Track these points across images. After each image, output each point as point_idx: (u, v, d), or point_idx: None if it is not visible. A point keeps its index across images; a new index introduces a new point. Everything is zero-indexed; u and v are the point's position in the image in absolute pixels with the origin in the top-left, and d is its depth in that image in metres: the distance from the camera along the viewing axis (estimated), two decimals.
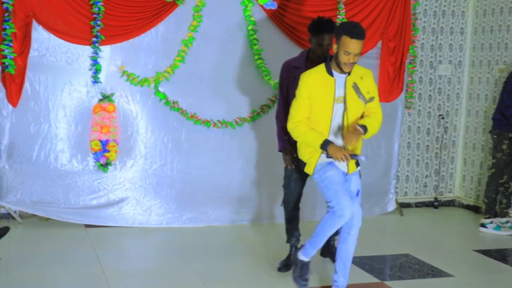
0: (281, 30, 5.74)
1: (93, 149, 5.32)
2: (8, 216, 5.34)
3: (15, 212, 5.37)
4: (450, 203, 7.01)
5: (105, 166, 5.34)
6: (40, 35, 5.13)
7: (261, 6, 5.67)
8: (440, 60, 6.76)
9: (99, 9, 5.18)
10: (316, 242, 3.88)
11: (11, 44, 4.96)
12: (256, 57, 5.67)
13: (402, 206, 6.67)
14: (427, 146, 6.86)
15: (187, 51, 5.48)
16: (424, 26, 6.66)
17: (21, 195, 5.19)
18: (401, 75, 6.30)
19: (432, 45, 6.73)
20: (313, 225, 3.97)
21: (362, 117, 3.88)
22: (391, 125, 6.32)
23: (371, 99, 3.86)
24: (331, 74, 3.78)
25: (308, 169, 3.87)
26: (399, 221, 6.29)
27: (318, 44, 4.23)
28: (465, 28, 6.79)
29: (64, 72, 5.23)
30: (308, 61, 4.37)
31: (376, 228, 5.93)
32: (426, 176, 6.90)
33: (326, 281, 4.26)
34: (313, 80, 3.77)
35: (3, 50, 4.95)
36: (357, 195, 3.88)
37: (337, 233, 4.57)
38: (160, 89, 5.45)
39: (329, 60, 3.85)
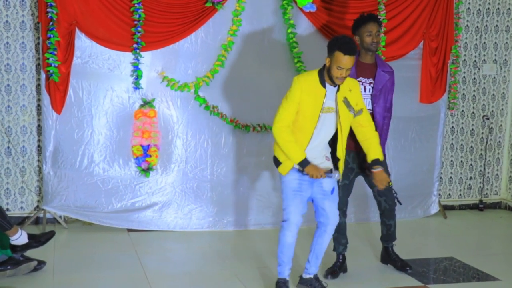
0: (321, 32, 5.71)
1: (134, 154, 5.38)
2: (53, 221, 5.46)
3: (60, 217, 5.48)
4: (495, 205, 6.85)
5: (147, 171, 5.40)
6: (82, 43, 5.23)
7: (300, 8, 5.64)
8: (484, 60, 6.61)
9: (140, 16, 5.24)
10: (278, 255, 4.01)
11: (55, 52, 5.07)
12: (295, 60, 5.65)
13: (446, 208, 6.55)
14: (471, 147, 6.72)
15: (227, 55, 5.49)
16: (467, 25, 6.52)
17: (65, 200, 5.30)
18: (444, 75, 6.17)
19: (475, 44, 6.58)
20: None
21: (359, 126, 4.03)
22: (434, 126, 6.21)
23: (360, 111, 3.97)
24: (323, 85, 3.84)
25: (283, 170, 3.91)
26: (443, 224, 6.18)
27: (367, 33, 4.28)
28: (510, 26, 6.62)
29: (106, 78, 5.31)
30: (357, 65, 4.35)
31: (418, 231, 5.85)
32: (471, 178, 6.76)
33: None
34: (307, 87, 3.82)
35: (48, 59, 5.05)
36: (331, 193, 3.98)
37: (394, 238, 4.62)
38: (200, 94, 5.48)
39: (323, 69, 3.88)
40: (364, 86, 4.40)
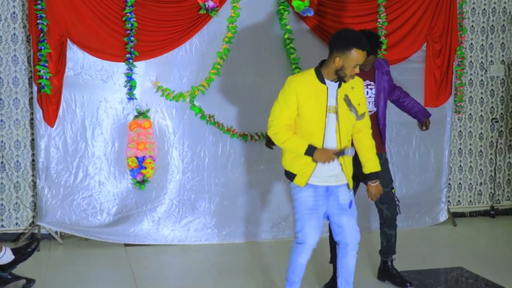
0: (319, 37, 5.57)
1: (129, 166, 5.27)
2: (49, 236, 5.35)
3: (56, 232, 5.37)
4: (508, 212, 6.62)
5: (141, 183, 5.28)
6: (74, 54, 5.14)
7: (297, 13, 5.51)
8: (491, 61, 6.42)
9: (132, 25, 5.14)
10: (289, 275, 3.67)
11: (46, 64, 4.98)
12: (293, 66, 5.51)
13: (455, 215, 6.35)
14: (480, 151, 6.52)
15: (222, 63, 5.37)
16: (472, 26, 6.34)
17: (60, 215, 5.19)
18: (449, 78, 6.00)
19: (482, 45, 6.40)
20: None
21: (358, 132, 3.67)
22: (440, 131, 6.03)
23: (362, 115, 3.61)
24: (323, 81, 3.48)
25: (300, 181, 3.51)
26: (452, 232, 5.98)
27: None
28: None
29: (99, 90, 5.21)
30: None
31: (427, 240, 5.65)
32: (481, 184, 6.55)
33: None
34: (303, 88, 3.45)
35: (39, 71, 4.96)
36: (349, 206, 3.61)
37: (394, 251, 4.41)
38: (196, 103, 5.36)
39: (319, 67, 3.53)
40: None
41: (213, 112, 5.40)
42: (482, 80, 6.43)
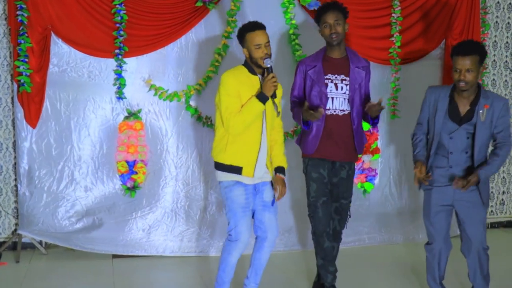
0: None
1: (119, 171, 4.91)
2: (32, 245, 4.98)
3: (39, 242, 5.00)
4: None
5: (132, 189, 4.89)
6: (59, 49, 4.78)
7: (304, 7, 5.12)
8: None
9: (122, 18, 4.78)
10: (219, 275, 3.77)
11: (26, 60, 4.62)
12: None
13: None
14: None
15: (221, 60, 5.01)
16: (496, 22, 5.92)
17: (43, 224, 4.82)
18: None
19: (506, 42, 5.97)
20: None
21: (272, 129, 3.84)
22: None
23: (279, 113, 3.82)
24: (254, 73, 3.72)
25: (248, 172, 3.65)
26: None
27: (324, 25, 3.99)
28: None
29: (87, 88, 4.86)
30: (325, 61, 3.98)
31: None
32: (503, 193, 6.13)
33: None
34: (240, 80, 3.67)
35: (18, 67, 4.61)
36: (272, 204, 3.78)
37: (335, 270, 4.12)
38: (192, 103, 5.02)
39: (246, 62, 3.77)
40: (335, 84, 3.97)
41: (210, 113, 5.02)
42: (506, 80, 6.04)
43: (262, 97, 3.60)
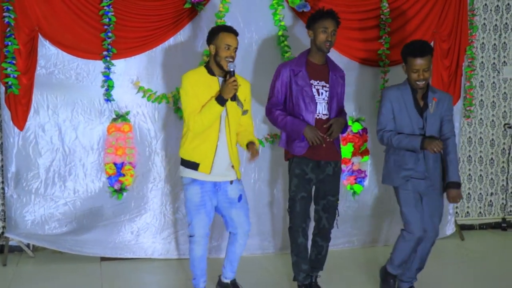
0: None
1: (107, 173, 4.87)
2: (19, 248, 4.94)
3: (26, 245, 4.96)
4: None
5: (119, 191, 4.86)
6: (47, 51, 4.73)
7: (293, 8, 5.10)
8: (504, 62, 6.01)
9: (110, 19, 4.73)
10: (191, 270, 3.96)
11: (13, 61, 4.57)
12: None
13: (463, 228, 5.94)
14: (492, 159, 6.08)
15: None
16: (484, 24, 5.93)
17: (31, 226, 4.77)
18: (458, 80, 5.57)
19: (494, 44, 5.97)
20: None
21: (239, 126, 4.00)
22: None
23: (246, 111, 3.97)
24: (213, 74, 3.85)
25: (205, 169, 3.80)
26: (460, 247, 5.55)
27: (322, 29, 4.03)
28: None
29: (74, 90, 4.80)
30: (308, 66, 4.04)
31: (431, 256, 5.12)
32: (491, 194, 6.14)
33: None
34: (198, 81, 3.80)
35: (6, 69, 4.56)
36: (239, 200, 3.92)
37: (321, 267, 4.19)
38: (180, 105, 4.92)
39: (208, 63, 3.92)
40: (317, 90, 4.04)
41: None
42: (494, 82, 6.05)
43: (220, 99, 3.74)
